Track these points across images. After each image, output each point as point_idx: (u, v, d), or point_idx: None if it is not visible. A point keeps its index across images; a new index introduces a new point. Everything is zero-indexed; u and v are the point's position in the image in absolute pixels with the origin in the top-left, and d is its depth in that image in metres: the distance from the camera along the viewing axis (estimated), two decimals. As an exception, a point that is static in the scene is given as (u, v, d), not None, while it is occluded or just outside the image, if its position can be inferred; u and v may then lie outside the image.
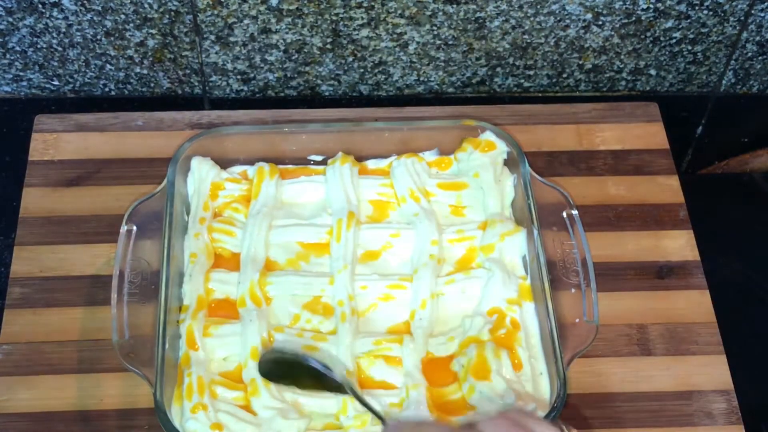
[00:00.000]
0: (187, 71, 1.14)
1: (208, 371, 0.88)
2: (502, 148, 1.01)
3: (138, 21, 1.08)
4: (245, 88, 1.17)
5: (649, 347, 0.95)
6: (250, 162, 1.03)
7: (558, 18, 1.10)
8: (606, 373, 0.94)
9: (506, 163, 1.02)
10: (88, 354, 0.93)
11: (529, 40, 1.13)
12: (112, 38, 1.10)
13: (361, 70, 1.15)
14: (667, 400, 0.92)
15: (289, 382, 0.86)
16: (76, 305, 0.96)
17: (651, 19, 1.11)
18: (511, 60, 1.15)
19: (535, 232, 0.94)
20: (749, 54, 1.16)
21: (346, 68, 1.15)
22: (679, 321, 0.97)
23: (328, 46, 1.12)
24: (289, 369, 0.86)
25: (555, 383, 0.86)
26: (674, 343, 0.96)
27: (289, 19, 1.09)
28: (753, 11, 1.11)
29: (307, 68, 1.15)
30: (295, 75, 1.16)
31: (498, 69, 1.16)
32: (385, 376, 0.89)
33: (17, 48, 1.11)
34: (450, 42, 1.12)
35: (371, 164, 1.04)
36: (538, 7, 1.09)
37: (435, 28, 1.11)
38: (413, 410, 0.85)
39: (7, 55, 1.12)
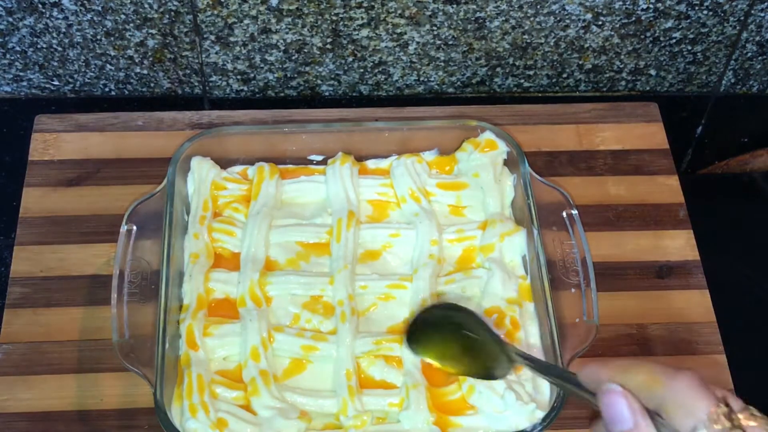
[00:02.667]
0: (187, 71, 1.14)
1: (208, 371, 0.88)
2: (502, 148, 1.01)
3: (138, 21, 1.08)
4: (245, 88, 1.17)
5: (649, 347, 0.95)
6: (250, 162, 1.03)
7: (558, 18, 1.10)
8: (606, 373, 0.94)
9: (506, 163, 1.02)
10: (88, 354, 0.93)
11: (529, 40, 1.13)
12: (112, 38, 1.10)
13: (361, 70, 1.15)
14: (667, 400, 0.92)
15: (434, 354, 0.83)
16: (76, 305, 0.96)
17: (651, 19, 1.11)
18: (511, 60, 1.15)
19: (535, 231, 0.94)
20: (749, 54, 1.16)
21: (346, 68, 1.15)
22: (679, 321, 0.97)
23: (328, 46, 1.12)
24: (442, 334, 0.81)
25: (555, 383, 0.86)
26: (674, 343, 0.96)
27: (289, 19, 1.09)
28: (753, 11, 1.11)
29: (307, 68, 1.15)
30: (295, 75, 1.16)
31: (498, 69, 1.16)
32: (385, 375, 0.89)
33: (17, 48, 1.11)
34: (450, 42, 1.12)
35: (371, 164, 1.04)
36: (538, 7, 1.09)
37: (435, 28, 1.11)
38: (413, 410, 0.85)
39: (7, 55, 1.12)
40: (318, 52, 1.13)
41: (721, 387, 0.62)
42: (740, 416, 0.59)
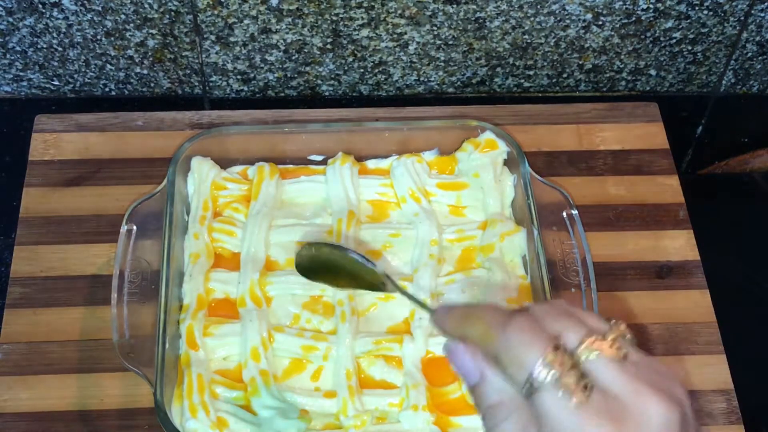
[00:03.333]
0: (187, 71, 1.14)
1: (208, 371, 0.88)
2: (502, 148, 1.01)
3: (138, 21, 1.08)
4: (245, 88, 1.17)
5: (649, 347, 0.95)
6: (250, 162, 1.03)
7: (558, 18, 1.10)
8: (606, 373, 0.93)
9: (506, 163, 1.02)
10: (88, 354, 0.93)
11: (529, 40, 1.13)
12: (112, 38, 1.10)
13: (361, 70, 1.15)
14: (667, 400, 0.92)
15: (325, 279, 0.82)
16: (76, 305, 0.96)
17: (651, 19, 1.11)
18: (511, 60, 1.15)
19: (535, 231, 0.94)
20: (749, 54, 1.16)
21: (346, 68, 1.15)
22: (679, 321, 0.97)
23: (328, 46, 1.12)
24: (326, 264, 0.80)
25: (555, 383, 0.86)
26: (674, 343, 0.96)
27: (289, 19, 1.09)
28: (753, 11, 1.11)
29: (307, 68, 1.15)
30: (295, 75, 1.16)
31: (498, 69, 1.16)
32: (385, 375, 0.89)
33: (17, 48, 1.11)
34: (450, 42, 1.12)
35: (371, 164, 1.04)
36: (538, 7, 1.09)
37: (435, 28, 1.11)
38: (413, 410, 0.85)
39: (8, 55, 1.12)
40: (318, 52, 1.13)
41: (576, 310, 0.57)
42: (582, 348, 0.54)
